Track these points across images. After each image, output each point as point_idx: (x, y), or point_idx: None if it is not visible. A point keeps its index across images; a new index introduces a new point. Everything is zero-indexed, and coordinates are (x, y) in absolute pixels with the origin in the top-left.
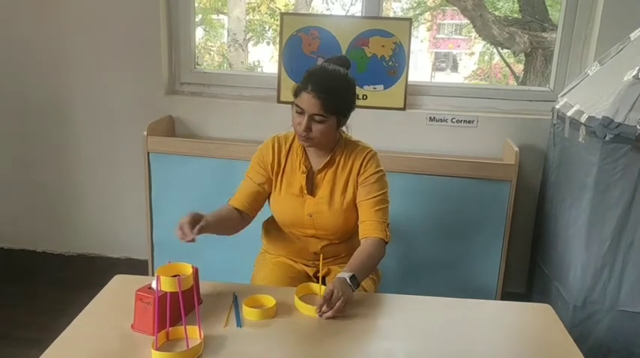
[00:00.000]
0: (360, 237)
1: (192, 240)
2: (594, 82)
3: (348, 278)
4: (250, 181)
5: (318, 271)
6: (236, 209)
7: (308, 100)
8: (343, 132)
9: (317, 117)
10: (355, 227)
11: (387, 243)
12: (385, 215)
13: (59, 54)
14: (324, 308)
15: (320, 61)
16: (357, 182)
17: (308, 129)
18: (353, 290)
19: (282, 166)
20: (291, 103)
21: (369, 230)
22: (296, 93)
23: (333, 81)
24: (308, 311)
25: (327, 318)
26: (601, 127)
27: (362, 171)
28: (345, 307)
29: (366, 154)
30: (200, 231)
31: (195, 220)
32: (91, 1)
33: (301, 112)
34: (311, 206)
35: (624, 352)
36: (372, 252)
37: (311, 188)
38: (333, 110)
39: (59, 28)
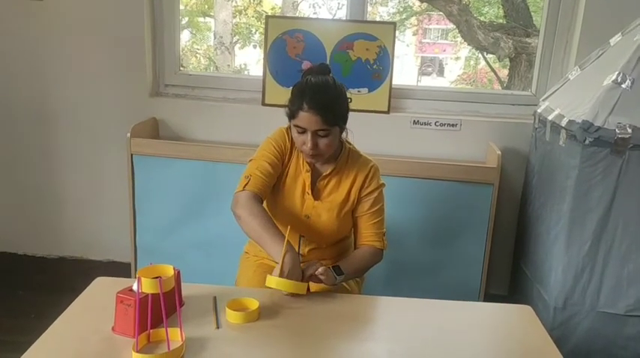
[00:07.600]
0: (357, 245)
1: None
2: (575, 86)
3: (330, 267)
4: (267, 165)
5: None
6: (259, 196)
7: (308, 118)
8: (348, 142)
9: (321, 132)
10: (344, 234)
11: (383, 250)
12: (382, 225)
13: (42, 56)
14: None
15: (305, 65)
16: (360, 195)
17: (315, 146)
18: (335, 278)
19: (288, 163)
20: (287, 127)
21: (367, 239)
22: (292, 114)
23: (327, 92)
24: (286, 286)
25: (316, 273)
26: (581, 131)
27: (366, 185)
28: (327, 279)
29: (370, 168)
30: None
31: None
32: (75, 3)
33: (303, 132)
34: (310, 208)
35: (604, 353)
36: (364, 256)
37: (312, 190)
38: (334, 121)
39: (42, 29)
